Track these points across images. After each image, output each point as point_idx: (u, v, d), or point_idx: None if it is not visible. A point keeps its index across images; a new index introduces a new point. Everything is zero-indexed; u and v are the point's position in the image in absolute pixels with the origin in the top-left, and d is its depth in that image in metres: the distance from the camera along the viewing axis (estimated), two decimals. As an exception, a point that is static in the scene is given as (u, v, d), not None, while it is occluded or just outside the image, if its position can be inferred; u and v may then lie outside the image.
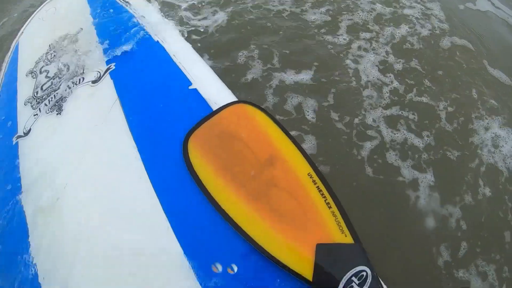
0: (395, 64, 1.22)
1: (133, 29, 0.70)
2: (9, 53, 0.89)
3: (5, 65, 0.87)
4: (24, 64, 0.80)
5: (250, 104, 0.55)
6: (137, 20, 0.73)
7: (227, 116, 0.53)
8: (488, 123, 1.11)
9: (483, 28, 1.44)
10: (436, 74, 1.21)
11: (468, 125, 1.09)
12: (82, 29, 0.76)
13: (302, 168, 0.47)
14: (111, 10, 0.79)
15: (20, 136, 0.66)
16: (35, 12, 0.94)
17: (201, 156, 0.49)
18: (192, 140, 0.51)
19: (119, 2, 0.80)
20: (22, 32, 0.91)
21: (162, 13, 0.81)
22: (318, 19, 1.35)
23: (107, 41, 0.70)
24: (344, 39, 1.28)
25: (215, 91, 0.57)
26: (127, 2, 0.80)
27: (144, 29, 0.70)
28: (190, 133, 0.52)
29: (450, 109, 1.11)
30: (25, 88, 0.74)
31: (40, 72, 0.74)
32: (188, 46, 0.69)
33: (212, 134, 0.51)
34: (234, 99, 0.56)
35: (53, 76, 0.71)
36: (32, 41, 0.86)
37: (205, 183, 0.47)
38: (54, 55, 0.75)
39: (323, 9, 1.39)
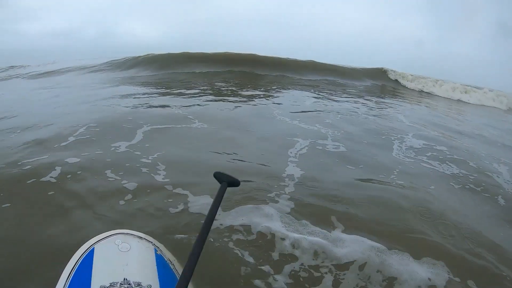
0: None
1: None
2: (81, 252, 1.01)
3: (76, 259, 0.98)
4: (98, 278, 0.91)
5: None
6: None
7: None
8: None
9: None
10: None
11: None
12: (151, 286, 0.91)
13: None
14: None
15: None
16: (112, 233, 1.10)
17: None
18: None
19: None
20: (99, 241, 1.06)
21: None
22: None
23: None
24: None
25: None
26: None
27: None
28: None
29: None
30: None
31: None
32: None
33: None
34: None
35: None
36: (108, 260, 1.00)
37: None
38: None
39: None
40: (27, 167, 2.36)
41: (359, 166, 2.96)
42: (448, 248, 1.86)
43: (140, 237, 1.13)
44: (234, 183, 0.99)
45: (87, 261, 0.98)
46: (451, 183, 2.91)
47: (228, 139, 3.38)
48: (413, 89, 11.67)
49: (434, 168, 3.24)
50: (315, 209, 2.09)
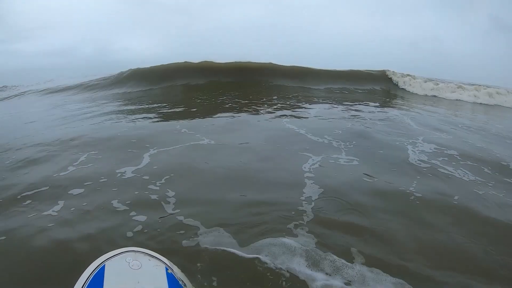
0: None
1: None
2: (92, 268, 0.98)
3: (86, 276, 0.95)
4: None
5: None
6: None
7: None
8: None
9: None
10: None
11: None
12: None
13: None
14: None
15: None
16: (123, 250, 1.09)
17: None
18: None
19: None
20: (110, 258, 1.04)
21: None
22: None
23: None
24: None
25: None
26: None
27: None
28: None
29: None
30: None
31: None
32: None
33: None
34: None
35: None
36: (119, 277, 0.98)
37: None
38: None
39: None
40: (27, 202, 2.22)
41: (375, 178, 2.81)
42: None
43: (151, 255, 1.11)
44: None
45: (98, 278, 0.97)
46: (475, 189, 2.77)
47: (238, 155, 3.25)
48: (416, 90, 11.54)
49: (453, 173, 3.10)
50: (339, 239, 1.88)
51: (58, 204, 2.17)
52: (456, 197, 2.55)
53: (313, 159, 3.18)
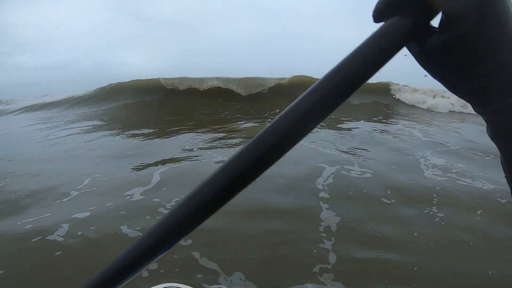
0: None
1: None
2: None
3: None
4: None
5: None
6: None
7: None
8: None
9: None
10: None
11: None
12: None
13: None
14: None
15: None
16: (164, 286, 1.00)
17: None
18: None
19: None
20: None
21: None
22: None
23: None
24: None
25: None
26: None
27: None
28: None
29: None
30: None
31: None
32: None
33: None
34: None
35: None
36: None
37: None
38: None
39: None
40: (28, 227, 2.07)
41: (392, 199, 2.64)
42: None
43: None
44: None
45: None
46: (497, 198, 2.65)
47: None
48: (419, 102, 11.39)
49: (472, 184, 2.98)
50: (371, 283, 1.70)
51: (62, 227, 2.03)
52: (479, 212, 2.44)
53: (327, 171, 3.07)
